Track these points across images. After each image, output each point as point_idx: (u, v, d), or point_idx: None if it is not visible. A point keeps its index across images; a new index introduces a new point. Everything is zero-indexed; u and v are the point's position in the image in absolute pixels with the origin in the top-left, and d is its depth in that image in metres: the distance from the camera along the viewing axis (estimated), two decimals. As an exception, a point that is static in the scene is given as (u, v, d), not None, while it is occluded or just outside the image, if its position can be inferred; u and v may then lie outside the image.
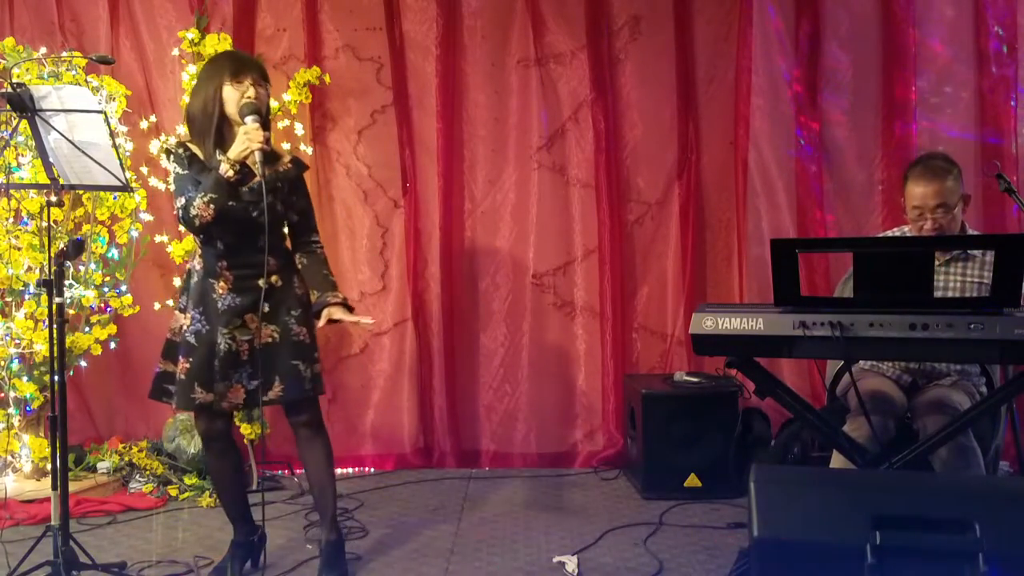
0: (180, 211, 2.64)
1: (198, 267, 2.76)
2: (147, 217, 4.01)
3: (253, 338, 2.70)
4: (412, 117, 4.24)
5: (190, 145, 2.73)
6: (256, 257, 2.68)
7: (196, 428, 2.84)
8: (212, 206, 2.58)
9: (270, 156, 2.72)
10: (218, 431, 2.81)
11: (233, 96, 2.66)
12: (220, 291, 2.70)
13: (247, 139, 2.58)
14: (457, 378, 4.28)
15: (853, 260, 2.39)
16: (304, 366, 2.73)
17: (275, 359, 2.71)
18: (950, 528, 1.86)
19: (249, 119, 2.60)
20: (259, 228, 2.65)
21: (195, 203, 2.59)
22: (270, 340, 2.71)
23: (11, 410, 3.71)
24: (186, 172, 2.67)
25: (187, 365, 2.69)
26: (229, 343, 2.68)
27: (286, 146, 3.86)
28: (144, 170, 4.03)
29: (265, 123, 2.68)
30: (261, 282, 2.69)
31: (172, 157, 2.70)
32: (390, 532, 3.36)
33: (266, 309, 2.71)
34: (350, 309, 2.77)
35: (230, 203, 2.62)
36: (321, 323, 2.73)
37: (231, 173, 2.60)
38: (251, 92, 2.65)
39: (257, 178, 2.66)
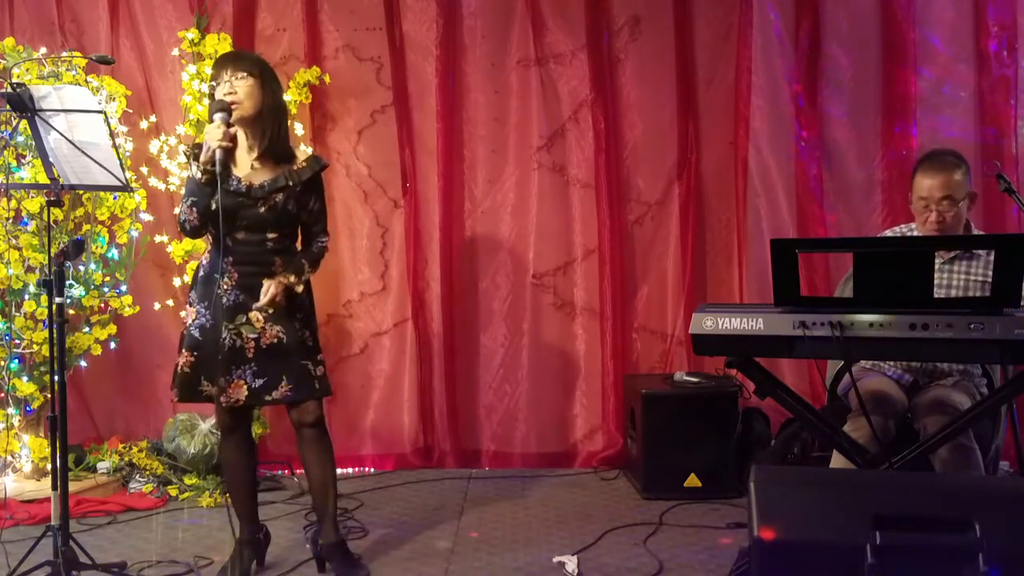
0: (179, 213, 2.76)
1: (205, 262, 2.82)
2: (147, 217, 4.01)
3: (260, 336, 2.71)
4: (412, 117, 4.24)
5: None
6: (262, 256, 2.73)
7: (216, 420, 2.87)
8: (195, 209, 2.68)
9: (282, 156, 2.77)
10: (238, 425, 2.85)
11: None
12: (225, 287, 2.73)
13: (207, 138, 2.62)
14: (457, 378, 4.28)
15: (853, 260, 2.39)
16: (312, 366, 2.76)
17: (282, 359, 2.73)
18: (950, 528, 1.86)
19: (217, 117, 2.63)
20: (266, 226, 2.72)
21: (182, 207, 2.70)
22: (275, 340, 2.73)
23: (11, 410, 3.71)
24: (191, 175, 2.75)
25: (191, 359, 2.74)
26: (234, 338, 2.71)
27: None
28: (144, 170, 4.03)
29: (272, 115, 2.73)
30: (265, 281, 2.71)
31: (189, 158, 2.78)
32: (390, 532, 3.36)
33: (271, 309, 2.72)
34: (292, 293, 2.73)
35: (238, 199, 2.67)
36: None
37: (198, 175, 2.64)
38: (225, 89, 2.68)
39: (265, 178, 2.72)
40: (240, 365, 2.72)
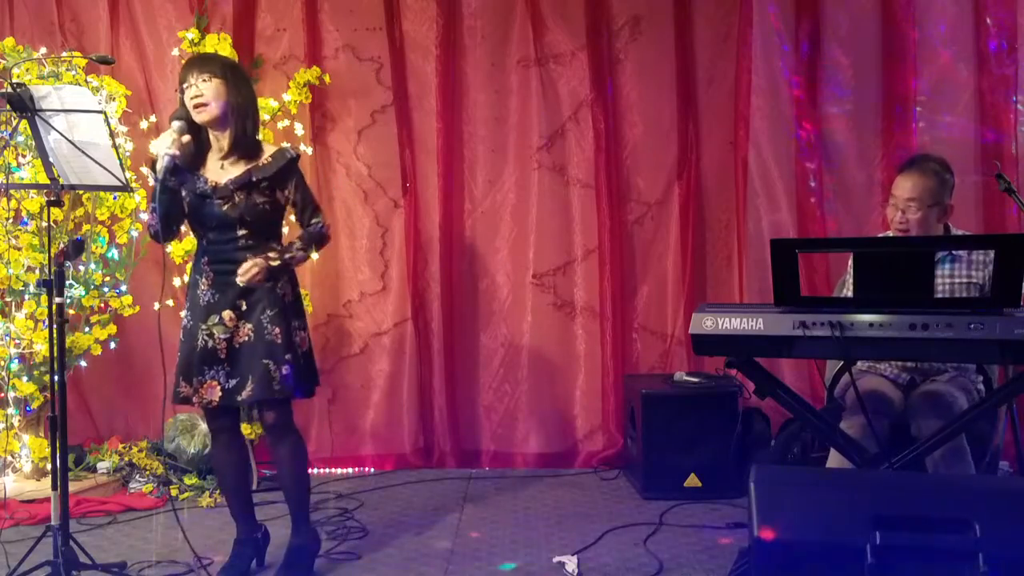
0: None
1: (193, 264, 2.85)
2: (147, 217, 4.00)
3: (232, 336, 2.72)
4: (412, 117, 4.24)
5: None
6: (235, 254, 2.72)
7: (205, 422, 2.86)
8: (155, 215, 2.67)
9: (250, 152, 2.75)
10: (224, 426, 2.84)
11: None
12: (203, 287, 2.75)
13: (159, 145, 2.63)
14: (457, 378, 4.28)
15: (853, 260, 2.39)
16: (274, 366, 2.70)
17: (250, 358, 2.71)
18: (950, 528, 1.86)
19: (174, 124, 2.66)
20: (234, 224, 2.71)
21: (148, 212, 2.72)
22: (246, 339, 2.72)
23: (11, 410, 3.70)
24: None
25: (178, 360, 2.78)
26: (207, 339, 2.71)
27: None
28: (144, 170, 4.01)
29: (237, 113, 2.72)
30: (238, 279, 2.71)
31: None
32: (390, 532, 3.36)
33: (243, 307, 2.73)
34: (277, 270, 2.72)
35: (204, 200, 2.70)
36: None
37: (152, 183, 2.65)
38: (191, 93, 2.68)
39: (230, 176, 2.72)
40: (213, 366, 2.71)
